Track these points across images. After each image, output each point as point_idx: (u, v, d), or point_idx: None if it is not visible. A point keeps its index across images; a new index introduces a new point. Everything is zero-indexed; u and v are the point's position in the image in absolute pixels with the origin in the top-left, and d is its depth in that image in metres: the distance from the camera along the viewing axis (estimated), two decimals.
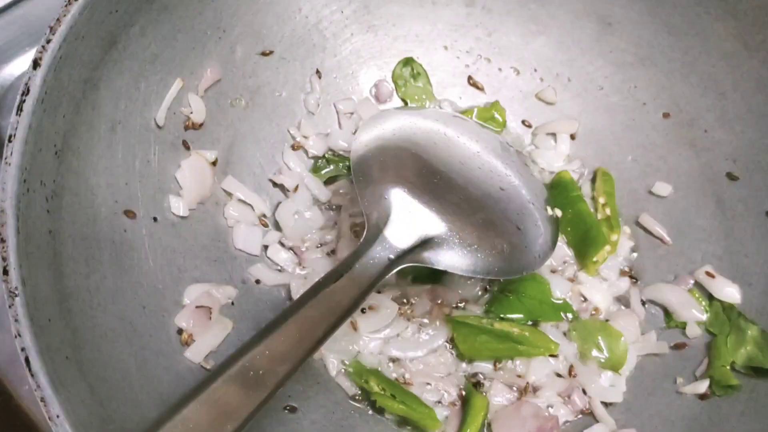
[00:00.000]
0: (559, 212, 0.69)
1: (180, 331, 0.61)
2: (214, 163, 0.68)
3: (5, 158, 0.51)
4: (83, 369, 0.51)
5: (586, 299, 0.70)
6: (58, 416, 0.46)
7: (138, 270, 0.60)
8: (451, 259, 0.59)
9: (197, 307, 0.62)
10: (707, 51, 0.70)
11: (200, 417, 0.47)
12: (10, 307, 0.48)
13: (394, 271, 0.57)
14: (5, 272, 0.48)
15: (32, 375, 0.46)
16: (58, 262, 0.53)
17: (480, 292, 0.70)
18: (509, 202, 0.65)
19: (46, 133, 0.53)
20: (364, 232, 0.58)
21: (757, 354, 0.62)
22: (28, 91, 0.51)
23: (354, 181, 0.61)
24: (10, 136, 0.51)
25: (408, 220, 0.59)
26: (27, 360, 0.47)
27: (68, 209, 0.55)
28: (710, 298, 0.68)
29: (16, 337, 0.47)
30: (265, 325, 0.51)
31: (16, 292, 0.48)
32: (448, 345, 0.68)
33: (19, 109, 0.51)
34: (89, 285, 0.55)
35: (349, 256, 0.56)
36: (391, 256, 0.57)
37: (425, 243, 0.59)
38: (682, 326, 0.68)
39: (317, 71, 0.74)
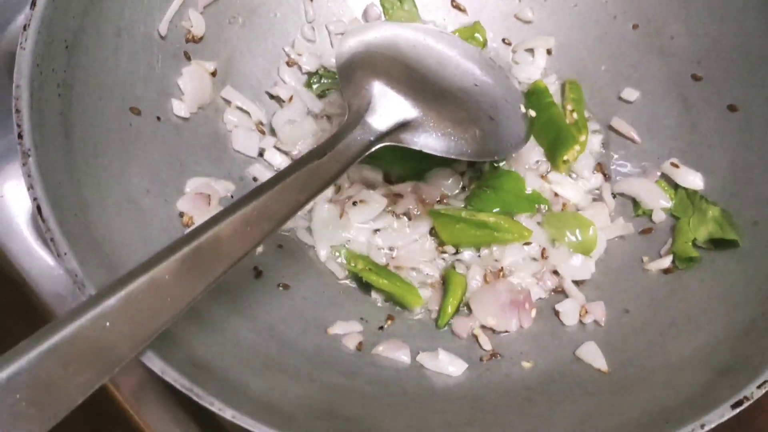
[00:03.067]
0: (533, 113, 0.74)
1: (181, 215, 0.67)
2: (213, 74, 0.74)
3: (20, 44, 0.57)
4: (90, 228, 0.57)
5: (558, 195, 0.75)
6: (65, 253, 0.52)
7: (143, 159, 0.66)
8: (426, 140, 0.64)
9: (197, 193, 0.68)
10: None
11: (192, 259, 0.51)
12: (23, 165, 0.54)
13: (374, 149, 0.62)
14: (20, 136, 0.55)
15: (43, 220, 0.53)
16: (69, 140, 0.59)
17: (459, 191, 0.75)
18: (483, 96, 0.70)
19: (57, 28, 0.59)
20: (345, 118, 0.64)
21: (716, 229, 0.67)
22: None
23: (338, 78, 0.67)
24: (25, 26, 0.58)
25: (387, 106, 0.64)
26: (39, 208, 0.53)
27: (77, 98, 0.61)
28: (676, 187, 0.72)
29: (29, 189, 0.54)
30: (254, 187, 0.57)
31: (29, 153, 0.54)
32: (430, 235, 0.73)
33: (33, 3, 0.58)
34: (97, 164, 0.61)
35: (332, 136, 0.62)
36: (371, 138, 0.62)
37: (402, 126, 0.64)
38: (649, 214, 0.72)
39: None
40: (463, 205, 0.74)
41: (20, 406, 0.43)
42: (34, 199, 0.53)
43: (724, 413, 0.50)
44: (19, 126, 0.55)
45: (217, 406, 0.48)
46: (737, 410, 0.50)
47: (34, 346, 0.44)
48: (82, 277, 0.51)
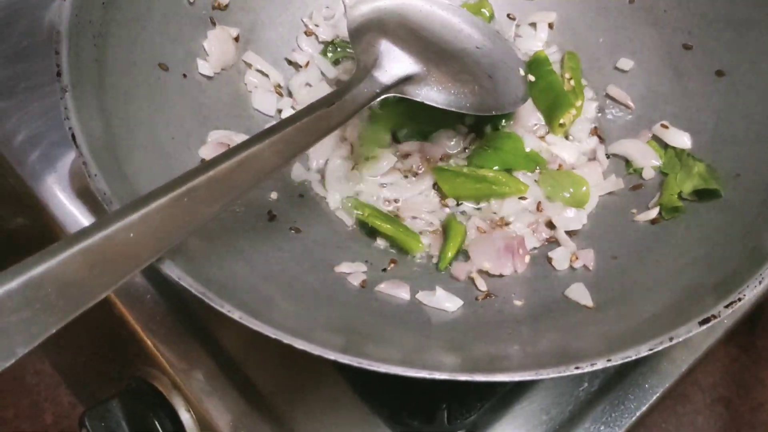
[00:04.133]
0: (532, 77, 0.80)
1: (203, 161, 0.73)
2: (236, 39, 0.80)
3: None
4: (118, 162, 0.62)
5: (555, 155, 0.79)
6: (96, 174, 0.58)
7: (169, 111, 0.72)
8: (428, 93, 0.70)
9: (218, 143, 0.74)
10: None
11: (206, 187, 0.57)
12: (61, 98, 0.61)
13: (379, 99, 0.68)
14: (58, 74, 0.61)
15: (77, 146, 0.59)
16: (102, 85, 0.65)
17: (461, 150, 0.80)
18: (483, 57, 0.75)
19: None
20: (354, 72, 0.69)
21: (701, 182, 0.71)
22: None
23: (350, 39, 0.73)
24: None
25: (392, 63, 0.70)
26: (73, 136, 0.59)
27: (111, 50, 0.67)
28: (665, 146, 0.77)
29: (65, 119, 0.60)
30: (267, 127, 0.62)
31: (66, 89, 0.60)
32: (433, 190, 0.78)
33: None
34: (127, 110, 0.67)
35: (341, 87, 0.67)
36: (377, 90, 0.68)
37: (406, 80, 0.69)
38: (640, 171, 0.77)
39: None
40: (465, 164, 0.78)
41: (51, 297, 0.48)
42: (69, 129, 0.59)
43: (692, 329, 0.54)
44: (58, 65, 0.61)
45: (226, 308, 0.53)
46: (704, 327, 0.54)
47: (64, 249, 0.50)
48: (109, 195, 0.57)
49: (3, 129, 0.89)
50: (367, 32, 0.73)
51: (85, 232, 0.51)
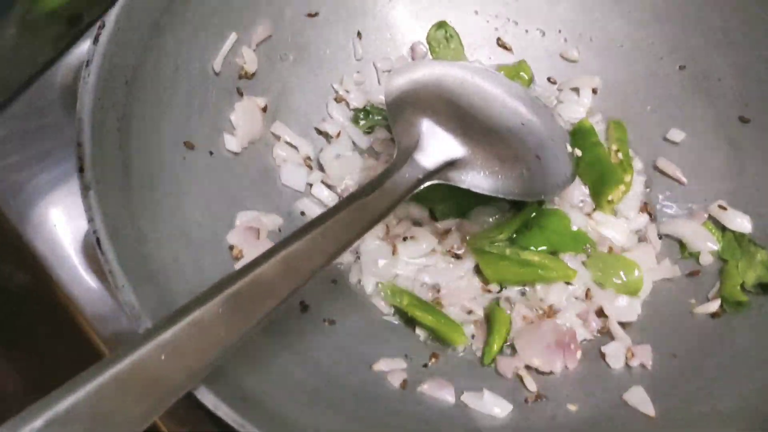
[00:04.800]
0: (579, 152, 0.75)
1: (231, 248, 0.68)
2: (264, 109, 0.76)
3: (83, 78, 0.59)
4: (146, 260, 0.58)
5: (602, 235, 0.75)
6: (123, 286, 0.53)
7: (195, 193, 0.68)
8: (473, 179, 0.65)
9: (247, 227, 0.69)
10: (719, 5, 0.75)
11: (246, 293, 0.53)
12: (84, 198, 0.56)
13: (422, 187, 0.63)
14: (81, 170, 0.56)
15: (102, 252, 0.54)
16: (127, 173, 0.61)
17: (504, 228, 0.75)
18: (530, 135, 0.71)
19: (117, 64, 0.61)
20: (395, 155, 0.65)
21: (765, 273, 0.66)
22: (104, 25, 0.60)
23: (387, 115, 0.68)
24: (88, 62, 0.60)
25: (435, 145, 0.65)
26: (98, 240, 0.54)
27: (135, 132, 0.63)
28: (723, 229, 0.72)
29: (89, 221, 0.55)
30: (305, 223, 0.57)
31: (90, 186, 0.56)
32: (474, 272, 0.74)
33: (96, 39, 0.60)
34: (153, 197, 0.63)
35: (381, 174, 0.63)
36: (419, 176, 0.63)
37: (450, 165, 0.65)
38: (696, 256, 0.72)
39: (358, 33, 0.82)
40: (507, 243, 0.74)
41: None
42: (94, 232, 0.54)
43: None
44: (80, 159, 0.56)
45: None
46: None
47: (93, 378, 0.45)
48: (138, 310, 0.52)
49: (10, 182, 0.85)
50: (405, 108, 0.69)
51: (114, 358, 0.47)
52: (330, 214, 0.58)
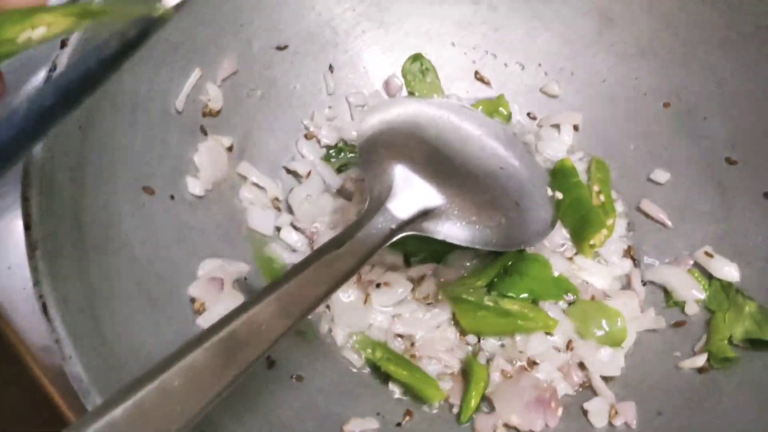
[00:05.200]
0: (559, 195, 0.72)
1: (193, 300, 0.64)
2: (230, 149, 0.72)
3: None
4: (98, 322, 0.54)
5: (584, 281, 0.71)
6: (70, 357, 0.49)
7: (155, 243, 0.64)
8: (449, 229, 0.62)
9: (210, 278, 0.65)
10: (704, 40, 0.72)
11: (203, 363, 0.49)
12: (30, 258, 0.52)
13: (395, 239, 0.59)
14: (27, 227, 0.52)
15: (49, 320, 0.50)
16: (79, 226, 0.56)
17: (482, 274, 0.71)
18: (509, 180, 0.67)
19: None
20: (366, 204, 0.61)
21: (754, 328, 0.63)
22: (55, 67, 0.56)
23: (359, 160, 0.65)
24: None
25: (409, 193, 0.62)
26: (44, 306, 0.50)
27: (90, 180, 0.59)
28: (710, 277, 0.69)
29: (35, 285, 0.51)
30: (269, 283, 0.54)
31: (37, 245, 0.52)
32: (451, 322, 0.70)
33: (47, 83, 0.56)
34: (107, 250, 0.59)
35: (352, 225, 0.59)
36: (392, 226, 0.60)
37: (425, 214, 0.61)
38: (682, 305, 0.69)
39: (330, 66, 0.78)
40: (486, 290, 0.70)
41: None
42: (40, 296, 0.50)
43: None
44: (27, 216, 0.52)
45: None
46: None
47: None
48: (87, 384, 0.49)
49: None
50: (378, 151, 0.65)
51: None
52: (296, 271, 0.54)
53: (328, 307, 0.70)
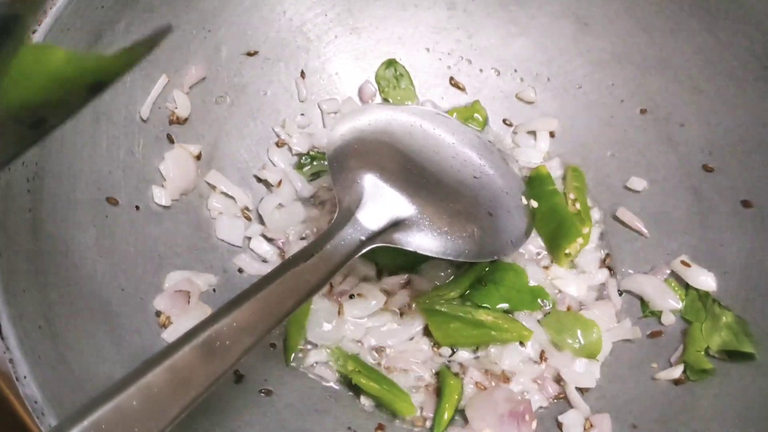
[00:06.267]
0: (535, 203, 0.70)
1: (158, 314, 0.62)
2: (198, 157, 0.70)
3: None
4: (56, 340, 0.52)
5: (560, 291, 0.70)
6: (25, 377, 0.47)
7: (118, 255, 0.62)
8: (421, 240, 0.60)
9: (176, 291, 0.63)
10: (681, 47, 0.71)
11: (162, 383, 0.47)
12: None
13: (365, 250, 0.58)
14: None
15: (2, 338, 0.48)
16: (37, 240, 0.55)
17: (456, 285, 0.70)
18: (482, 190, 0.66)
19: None
20: (335, 215, 0.60)
21: (731, 339, 0.62)
22: None
23: (329, 168, 0.63)
24: None
25: (379, 203, 0.60)
26: None
27: (49, 191, 0.57)
28: (686, 287, 0.68)
29: None
30: (234, 297, 0.52)
31: None
32: (424, 333, 0.69)
33: None
34: (67, 264, 0.57)
35: (321, 236, 0.57)
36: (362, 238, 0.58)
37: (396, 225, 0.60)
38: (658, 315, 0.68)
39: (302, 72, 0.77)
40: (459, 301, 0.69)
41: None
42: None
43: None
44: None
45: None
46: None
47: None
48: (41, 405, 0.47)
49: None
50: (348, 160, 0.63)
51: None
52: (263, 284, 0.53)
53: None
